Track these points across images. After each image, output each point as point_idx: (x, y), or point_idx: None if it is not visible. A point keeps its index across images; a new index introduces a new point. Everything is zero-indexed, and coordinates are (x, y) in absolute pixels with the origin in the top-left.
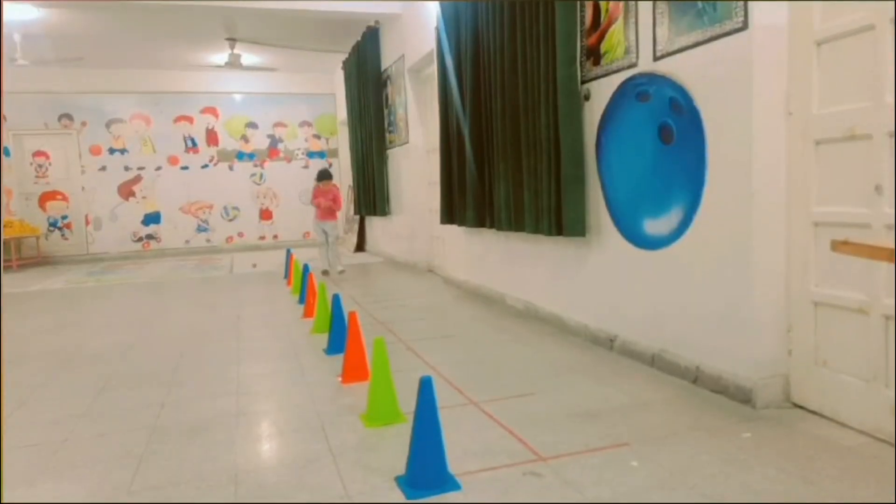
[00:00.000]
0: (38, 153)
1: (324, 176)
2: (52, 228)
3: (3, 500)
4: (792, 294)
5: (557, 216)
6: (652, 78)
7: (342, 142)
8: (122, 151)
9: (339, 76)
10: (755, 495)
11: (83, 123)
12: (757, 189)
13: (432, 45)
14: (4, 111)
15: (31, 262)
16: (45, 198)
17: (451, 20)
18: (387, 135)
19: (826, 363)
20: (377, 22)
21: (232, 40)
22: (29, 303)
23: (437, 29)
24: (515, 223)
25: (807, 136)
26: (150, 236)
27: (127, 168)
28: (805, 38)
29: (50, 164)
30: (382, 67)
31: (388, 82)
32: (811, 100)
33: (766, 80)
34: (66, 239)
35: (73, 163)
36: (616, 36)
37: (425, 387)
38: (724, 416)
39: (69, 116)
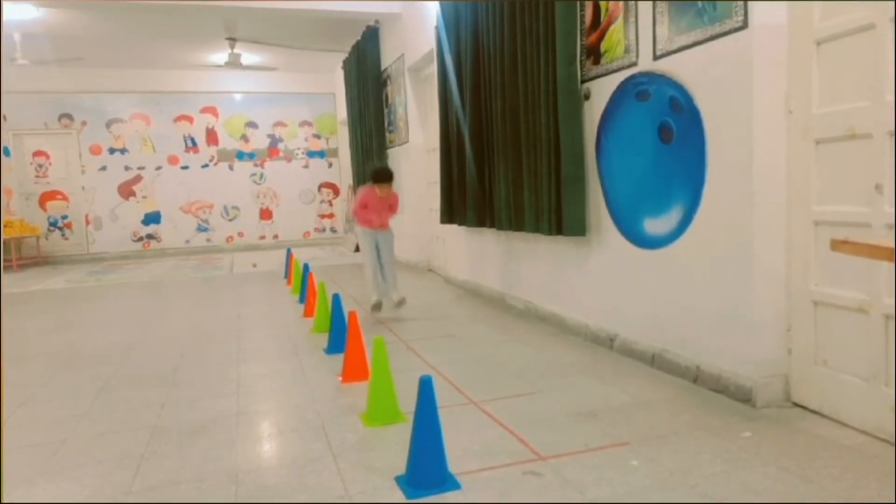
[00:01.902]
0: (38, 153)
1: (384, 177)
2: (52, 228)
3: (4, 501)
4: (792, 293)
5: (557, 216)
6: (652, 77)
7: (342, 141)
8: (123, 151)
9: (339, 76)
10: (756, 494)
11: (83, 123)
12: (757, 188)
13: (432, 44)
14: (4, 111)
15: (32, 262)
16: (45, 198)
17: (451, 19)
18: (387, 134)
19: (826, 362)
20: (377, 21)
21: (232, 40)
22: (29, 303)
23: (437, 28)
24: (515, 223)
25: (807, 136)
26: (150, 236)
27: (127, 168)
28: (805, 38)
29: (50, 163)
30: (382, 67)
31: (388, 82)
32: (811, 99)
33: (766, 80)
34: (67, 239)
35: (74, 162)
36: (616, 35)
37: (425, 386)
38: (724, 415)
39: (69, 116)
